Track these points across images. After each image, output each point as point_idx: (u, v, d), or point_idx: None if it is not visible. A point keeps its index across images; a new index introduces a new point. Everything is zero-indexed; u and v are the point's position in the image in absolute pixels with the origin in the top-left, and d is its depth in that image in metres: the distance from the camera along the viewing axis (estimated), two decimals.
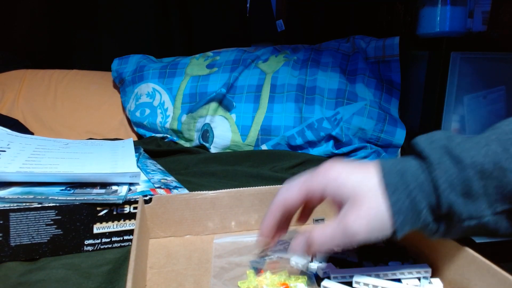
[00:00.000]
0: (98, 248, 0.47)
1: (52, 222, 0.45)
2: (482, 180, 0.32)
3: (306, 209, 0.43)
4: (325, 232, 0.34)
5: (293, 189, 0.38)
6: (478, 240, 0.53)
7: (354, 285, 0.37)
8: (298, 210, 0.42)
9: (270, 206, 0.40)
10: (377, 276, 0.38)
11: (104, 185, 0.51)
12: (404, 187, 0.33)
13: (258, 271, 0.40)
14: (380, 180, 0.34)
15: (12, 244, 0.44)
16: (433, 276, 0.38)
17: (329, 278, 0.38)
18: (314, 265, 0.40)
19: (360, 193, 0.34)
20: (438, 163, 0.33)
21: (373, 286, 0.36)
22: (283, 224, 0.41)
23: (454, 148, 0.33)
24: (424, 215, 0.33)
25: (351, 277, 0.37)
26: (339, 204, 0.35)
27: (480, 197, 0.32)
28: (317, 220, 0.54)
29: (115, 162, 0.58)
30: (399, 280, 0.38)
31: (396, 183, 0.33)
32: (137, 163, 0.62)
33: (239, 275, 0.40)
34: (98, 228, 0.47)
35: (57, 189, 0.48)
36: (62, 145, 0.65)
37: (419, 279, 0.38)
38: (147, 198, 0.48)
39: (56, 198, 0.45)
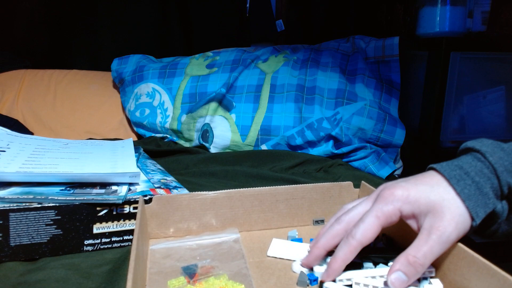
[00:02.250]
0: (98, 248, 0.47)
1: (51, 222, 0.45)
2: None
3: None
4: (422, 249, 0.34)
5: (371, 229, 0.36)
6: (478, 240, 0.53)
7: (354, 286, 0.37)
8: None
9: (348, 242, 0.36)
10: (374, 278, 0.37)
11: (104, 185, 0.51)
12: (466, 176, 0.36)
13: (192, 276, 0.40)
14: (443, 180, 0.36)
15: (12, 244, 0.44)
16: (433, 276, 0.38)
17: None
18: (321, 269, 0.40)
19: (437, 202, 0.35)
20: (492, 153, 0.37)
21: (373, 287, 0.36)
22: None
23: (502, 144, 0.38)
24: (492, 198, 0.36)
25: (350, 279, 0.37)
26: (414, 220, 0.37)
27: None
28: (317, 221, 0.54)
29: (114, 162, 0.58)
30: None
31: (457, 174, 0.36)
32: (137, 163, 0.62)
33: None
34: (98, 228, 0.47)
35: (56, 189, 0.48)
36: (62, 145, 0.65)
37: (419, 280, 0.38)
38: (147, 198, 0.48)
39: (56, 198, 0.45)
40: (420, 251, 0.34)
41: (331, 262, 0.37)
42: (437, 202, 0.35)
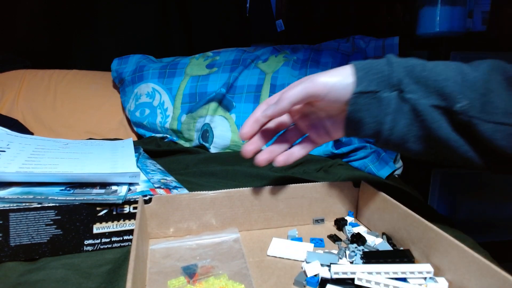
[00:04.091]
0: (98, 248, 0.47)
1: (51, 222, 0.45)
2: (424, 71, 0.41)
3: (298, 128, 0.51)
4: (292, 89, 0.43)
5: (290, 93, 0.44)
6: (478, 240, 0.53)
7: (356, 281, 0.37)
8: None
9: (267, 101, 0.47)
10: (379, 273, 0.38)
11: (103, 185, 0.51)
12: (368, 61, 0.43)
13: (192, 276, 0.40)
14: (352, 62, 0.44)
15: (11, 244, 0.44)
16: (434, 276, 0.38)
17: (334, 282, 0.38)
18: (314, 270, 0.40)
19: (332, 69, 0.43)
20: (394, 57, 0.43)
21: (375, 282, 0.36)
22: (268, 133, 0.50)
23: (409, 55, 0.44)
24: (379, 78, 0.42)
25: (353, 273, 0.37)
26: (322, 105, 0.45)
27: (421, 83, 0.41)
28: (317, 221, 0.54)
29: (114, 162, 0.58)
30: (401, 279, 0.38)
31: (361, 61, 0.43)
32: (136, 163, 0.62)
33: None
34: (98, 228, 0.47)
35: (56, 189, 0.48)
36: (62, 145, 0.65)
37: (424, 278, 0.38)
38: (147, 198, 0.48)
39: (56, 198, 0.45)
40: (290, 89, 0.43)
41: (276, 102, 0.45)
42: (333, 69, 0.44)
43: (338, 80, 0.42)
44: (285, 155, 0.50)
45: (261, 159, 0.49)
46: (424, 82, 0.41)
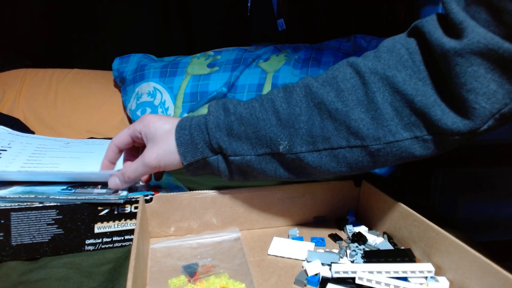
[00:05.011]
0: (99, 247, 0.47)
1: (53, 222, 0.45)
2: (242, 125, 0.43)
3: (134, 149, 0.54)
4: (131, 166, 0.47)
5: (123, 133, 0.50)
6: (479, 239, 0.53)
7: (357, 281, 0.37)
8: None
9: (108, 146, 0.51)
10: (380, 272, 0.38)
11: (105, 184, 0.51)
12: (188, 127, 0.45)
13: (193, 275, 0.40)
14: (176, 125, 0.46)
15: (13, 243, 0.44)
16: (435, 275, 0.38)
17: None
18: (315, 269, 0.40)
19: (159, 135, 0.46)
20: (214, 111, 0.45)
21: (376, 282, 0.36)
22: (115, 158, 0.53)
23: (228, 103, 0.45)
24: (201, 148, 0.44)
25: (354, 272, 0.38)
26: (146, 139, 0.47)
27: (242, 138, 0.43)
28: (318, 220, 0.54)
29: None
30: (402, 279, 0.38)
31: (184, 125, 0.45)
32: None
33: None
34: (99, 228, 0.47)
35: (58, 188, 0.48)
36: (63, 144, 0.65)
37: (425, 278, 0.38)
38: (147, 197, 0.48)
39: (57, 197, 0.45)
40: (131, 168, 0.47)
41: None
42: (160, 135, 0.46)
43: (167, 157, 0.45)
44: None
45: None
46: (245, 136, 0.43)
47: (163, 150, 0.45)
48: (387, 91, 0.39)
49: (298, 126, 0.41)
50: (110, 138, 0.52)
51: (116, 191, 0.49)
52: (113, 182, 0.49)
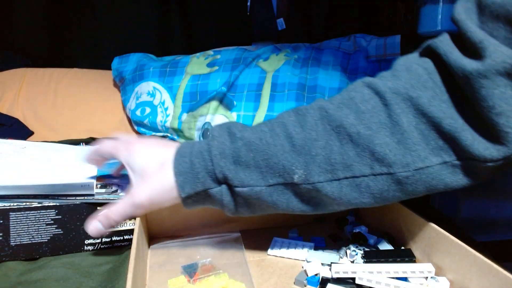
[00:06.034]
0: (98, 248, 0.47)
1: (52, 222, 0.45)
2: (251, 152, 0.37)
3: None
4: (118, 208, 0.40)
5: (108, 147, 0.44)
6: (480, 239, 0.53)
7: (357, 281, 0.37)
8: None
9: (97, 147, 0.45)
10: (380, 273, 0.38)
11: (104, 184, 0.51)
12: (189, 154, 0.39)
13: (193, 275, 0.40)
14: (175, 152, 0.40)
15: (12, 243, 0.44)
16: (435, 275, 0.38)
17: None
18: (315, 270, 0.40)
19: (150, 171, 0.39)
20: (217, 136, 0.39)
21: (376, 282, 0.36)
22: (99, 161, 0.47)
23: (233, 127, 0.40)
24: (202, 178, 0.38)
25: (354, 273, 0.37)
26: (132, 172, 0.41)
27: (251, 167, 0.37)
28: (317, 220, 0.54)
29: (71, 169, 0.52)
30: (402, 279, 0.38)
31: (184, 152, 0.39)
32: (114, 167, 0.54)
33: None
34: None
35: None
36: (18, 149, 0.58)
37: (426, 278, 0.38)
38: None
39: (57, 197, 0.45)
40: (117, 209, 0.40)
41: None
42: (152, 171, 0.39)
43: (161, 196, 0.39)
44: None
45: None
46: (254, 165, 0.37)
47: (156, 189, 0.39)
48: (411, 113, 0.36)
49: (315, 152, 0.37)
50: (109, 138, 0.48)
51: (115, 191, 0.48)
52: (95, 228, 0.40)
